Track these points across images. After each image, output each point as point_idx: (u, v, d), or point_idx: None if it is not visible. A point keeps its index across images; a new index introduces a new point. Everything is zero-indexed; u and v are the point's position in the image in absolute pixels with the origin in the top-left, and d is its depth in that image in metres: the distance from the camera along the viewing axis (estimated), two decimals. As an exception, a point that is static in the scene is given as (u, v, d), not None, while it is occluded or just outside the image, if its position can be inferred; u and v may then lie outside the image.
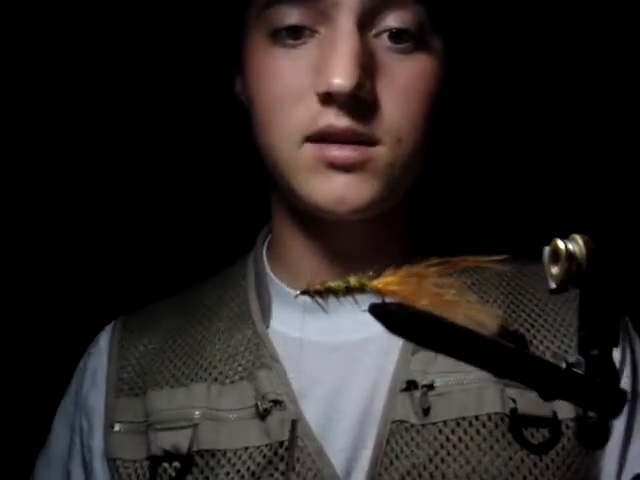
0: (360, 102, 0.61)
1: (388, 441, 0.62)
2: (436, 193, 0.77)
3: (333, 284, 0.34)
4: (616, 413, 0.31)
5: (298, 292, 0.33)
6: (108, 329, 0.75)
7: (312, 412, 0.63)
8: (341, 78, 0.59)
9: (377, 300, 0.33)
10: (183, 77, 0.92)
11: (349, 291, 0.34)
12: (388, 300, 0.34)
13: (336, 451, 0.63)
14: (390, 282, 0.33)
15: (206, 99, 0.91)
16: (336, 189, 0.61)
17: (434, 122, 0.65)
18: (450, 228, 0.73)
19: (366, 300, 0.35)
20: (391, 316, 0.32)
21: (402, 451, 0.62)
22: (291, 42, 0.63)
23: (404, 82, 0.63)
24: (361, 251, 0.66)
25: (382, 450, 0.62)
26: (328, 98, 0.61)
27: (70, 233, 0.93)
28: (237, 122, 0.78)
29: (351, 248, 0.66)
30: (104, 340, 0.74)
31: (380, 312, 0.33)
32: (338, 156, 0.61)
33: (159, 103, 0.93)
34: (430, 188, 0.73)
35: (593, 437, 0.32)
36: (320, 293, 0.34)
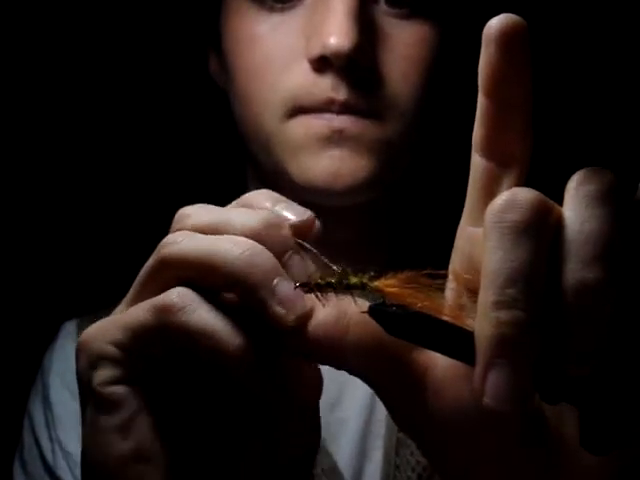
0: (359, 70, 0.57)
1: (397, 452, 0.61)
2: (416, 189, 0.75)
3: (334, 280, 0.34)
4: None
5: (297, 284, 0.33)
6: (71, 330, 0.72)
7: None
8: (339, 37, 0.55)
9: (375, 301, 0.33)
10: (150, 51, 0.89)
11: (349, 289, 0.34)
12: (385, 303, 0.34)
13: (344, 467, 0.62)
14: (391, 284, 0.33)
15: (174, 81, 0.88)
16: (331, 164, 0.57)
17: (432, 96, 0.63)
18: (428, 226, 0.72)
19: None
20: (392, 318, 0.32)
21: (408, 462, 0.61)
22: (279, 5, 0.59)
23: (403, 49, 0.59)
24: (348, 245, 0.64)
25: (392, 464, 0.61)
26: (323, 64, 0.57)
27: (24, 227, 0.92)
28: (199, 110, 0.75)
29: (338, 240, 0.63)
30: (70, 342, 0.70)
31: (381, 313, 0.32)
32: (332, 126, 0.57)
33: (126, 81, 0.91)
34: (411, 184, 0.72)
35: (598, 441, 0.31)
36: (320, 288, 0.34)
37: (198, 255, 0.34)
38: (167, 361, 0.36)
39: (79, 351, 0.37)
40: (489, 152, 0.33)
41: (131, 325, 0.35)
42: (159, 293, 0.35)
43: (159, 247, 0.36)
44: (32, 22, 0.91)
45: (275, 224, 0.35)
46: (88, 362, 0.36)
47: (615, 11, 0.88)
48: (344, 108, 0.57)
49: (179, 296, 0.34)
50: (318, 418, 0.37)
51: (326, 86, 0.57)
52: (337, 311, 0.34)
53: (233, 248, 0.34)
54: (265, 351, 0.34)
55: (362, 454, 0.62)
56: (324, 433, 0.64)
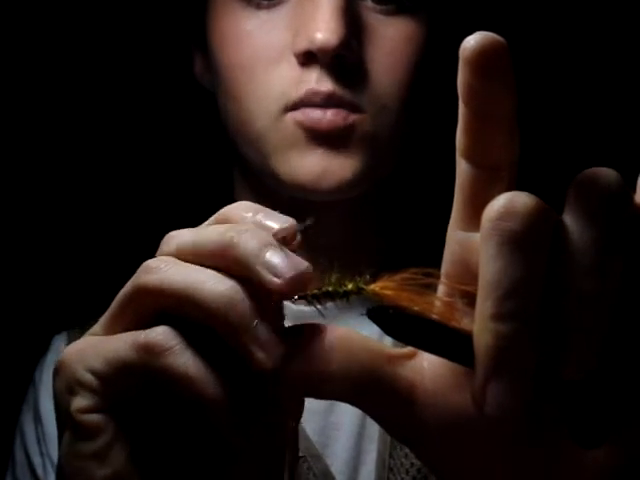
0: (344, 65, 0.57)
1: (391, 455, 0.61)
2: (407, 186, 0.75)
3: (330, 288, 0.34)
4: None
5: (295, 297, 0.33)
6: (62, 344, 0.71)
7: (311, 429, 0.62)
8: (326, 33, 0.55)
9: (372, 305, 0.33)
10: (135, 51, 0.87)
11: (345, 295, 0.34)
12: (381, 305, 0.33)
13: (337, 471, 0.61)
14: (387, 286, 0.33)
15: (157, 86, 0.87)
16: (318, 163, 0.58)
17: (418, 92, 0.63)
18: (420, 223, 0.71)
19: (358, 305, 0.34)
20: (390, 319, 0.32)
21: (402, 464, 0.60)
22: (265, 2, 0.60)
23: (389, 45, 0.60)
24: (338, 245, 0.64)
25: (386, 467, 0.61)
26: (309, 59, 0.57)
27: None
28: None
29: (328, 241, 0.63)
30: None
31: (378, 315, 0.32)
32: (320, 120, 0.57)
33: (111, 82, 0.88)
34: (403, 184, 0.72)
35: (588, 434, 0.32)
36: (318, 298, 0.33)
37: (178, 288, 0.34)
38: (144, 391, 0.36)
39: (57, 372, 0.37)
40: (473, 158, 0.32)
41: (111, 358, 0.35)
42: (136, 318, 0.35)
43: (139, 272, 0.35)
44: (21, 24, 0.89)
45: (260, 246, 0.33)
46: (66, 386, 0.36)
47: (614, 12, 0.88)
48: (328, 100, 0.57)
49: (164, 336, 0.34)
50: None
51: (310, 80, 0.58)
52: (320, 347, 0.33)
53: (214, 286, 0.33)
54: (246, 399, 0.34)
55: (356, 458, 0.62)
56: (318, 437, 0.65)
